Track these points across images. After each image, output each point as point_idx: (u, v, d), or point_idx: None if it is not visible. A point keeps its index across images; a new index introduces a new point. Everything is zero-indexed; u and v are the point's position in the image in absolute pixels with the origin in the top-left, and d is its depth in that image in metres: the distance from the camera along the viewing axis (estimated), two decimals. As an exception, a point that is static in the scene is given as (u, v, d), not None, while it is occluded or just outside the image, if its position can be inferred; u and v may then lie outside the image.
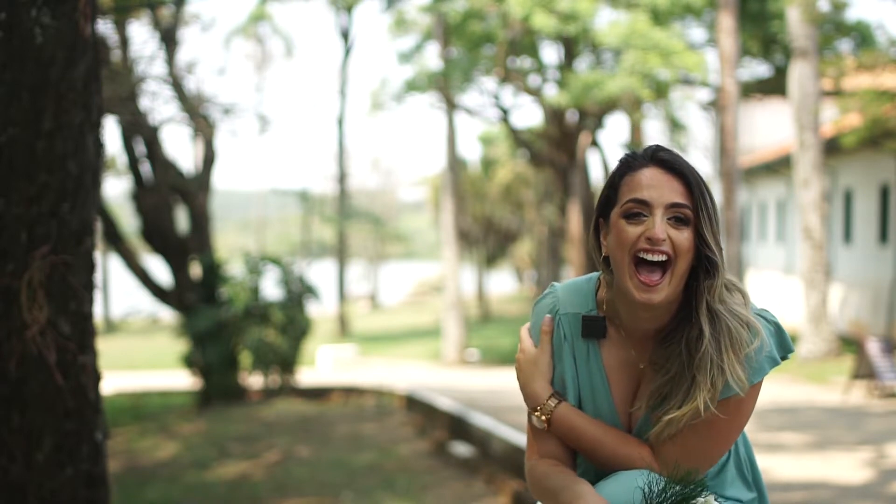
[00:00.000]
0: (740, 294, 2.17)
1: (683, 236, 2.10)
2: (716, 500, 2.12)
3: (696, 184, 2.12)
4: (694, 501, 2.06)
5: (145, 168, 14.42)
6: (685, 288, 2.15)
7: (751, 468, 2.37)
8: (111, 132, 23.42)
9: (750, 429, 8.81)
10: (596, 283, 2.29)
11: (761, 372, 2.16)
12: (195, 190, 14.88)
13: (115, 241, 14.28)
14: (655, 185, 2.11)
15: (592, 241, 2.24)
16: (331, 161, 52.90)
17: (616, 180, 2.17)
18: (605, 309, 2.26)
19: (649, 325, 2.19)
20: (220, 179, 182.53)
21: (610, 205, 2.18)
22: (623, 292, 2.15)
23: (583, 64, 21.78)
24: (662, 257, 2.09)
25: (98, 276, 3.87)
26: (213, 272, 14.27)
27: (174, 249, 14.53)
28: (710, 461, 2.20)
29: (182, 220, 15.15)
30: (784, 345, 2.20)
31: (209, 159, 15.28)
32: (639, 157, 2.17)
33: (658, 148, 2.17)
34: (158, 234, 14.44)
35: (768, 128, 27.87)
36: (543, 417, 2.23)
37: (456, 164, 23.15)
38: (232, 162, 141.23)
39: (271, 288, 14.57)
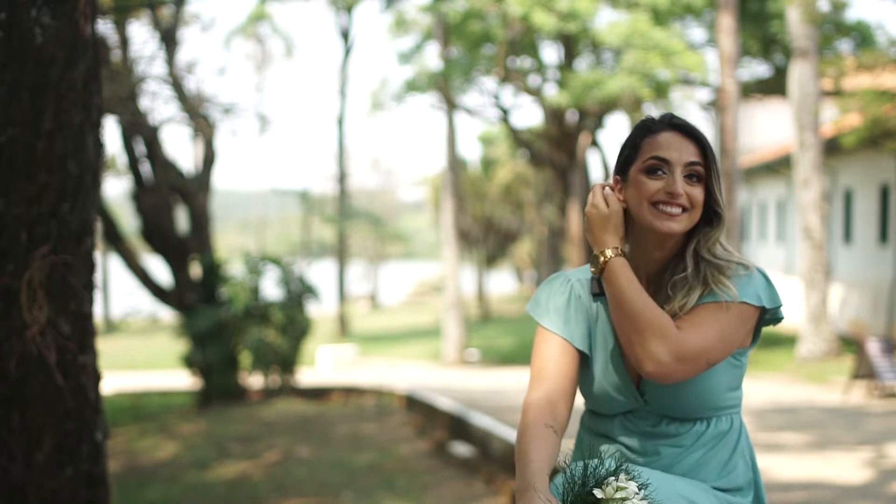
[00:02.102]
0: (743, 266, 2.38)
1: (697, 191, 2.36)
2: (636, 483, 2.15)
3: (708, 147, 2.39)
4: (608, 481, 2.15)
5: (145, 168, 14.41)
6: (687, 239, 2.40)
7: (752, 463, 2.46)
8: (111, 132, 23.48)
9: (750, 429, 8.72)
10: None
11: (749, 294, 2.33)
12: (195, 190, 14.87)
13: (115, 241, 14.27)
14: (674, 146, 2.37)
15: None
16: (331, 161, 53.06)
17: (637, 141, 2.41)
18: None
19: (655, 263, 2.41)
20: (220, 179, 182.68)
21: (629, 163, 2.41)
22: (642, 230, 2.38)
23: (583, 64, 21.79)
24: (679, 209, 2.34)
25: (98, 276, 3.87)
26: (213, 272, 14.27)
27: (174, 249, 14.52)
28: (713, 340, 2.30)
29: (182, 220, 15.14)
30: (773, 297, 2.38)
31: (209, 159, 15.27)
32: (657, 122, 2.42)
33: (672, 115, 2.43)
34: (158, 234, 14.43)
35: (768, 128, 27.88)
36: (601, 260, 2.37)
37: (456, 164, 23.11)
38: (232, 162, 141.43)
39: (271, 288, 14.56)
